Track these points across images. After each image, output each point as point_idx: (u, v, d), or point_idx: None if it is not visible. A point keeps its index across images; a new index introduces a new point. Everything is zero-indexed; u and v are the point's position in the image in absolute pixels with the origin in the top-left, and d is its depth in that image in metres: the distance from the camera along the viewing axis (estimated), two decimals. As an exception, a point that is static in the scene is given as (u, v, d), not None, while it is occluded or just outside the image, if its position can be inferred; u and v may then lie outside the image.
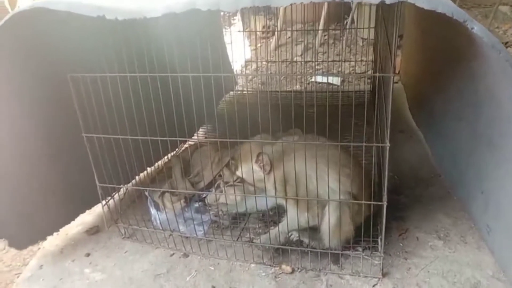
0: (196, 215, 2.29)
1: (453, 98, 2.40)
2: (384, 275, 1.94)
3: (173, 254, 2.21)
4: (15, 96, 1.98)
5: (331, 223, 1.92)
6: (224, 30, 4.08)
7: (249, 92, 3.99)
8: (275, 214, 2.26)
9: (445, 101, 2.53)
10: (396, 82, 3.86)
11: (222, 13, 4.25)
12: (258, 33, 5.22)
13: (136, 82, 1.89)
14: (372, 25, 3.56)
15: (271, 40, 5.26)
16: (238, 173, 2.21)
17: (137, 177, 2.62)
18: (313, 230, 2.07)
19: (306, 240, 2.06)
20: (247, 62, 4.74)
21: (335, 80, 4.31)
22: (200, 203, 2.45)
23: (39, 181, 2.17)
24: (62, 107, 2.11)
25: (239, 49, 4.02)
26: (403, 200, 2.46)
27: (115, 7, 1.50)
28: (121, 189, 2.38)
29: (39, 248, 2.37)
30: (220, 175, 2.59)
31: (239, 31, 4.73)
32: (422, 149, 2.98)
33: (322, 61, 4.62)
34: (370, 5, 3.70)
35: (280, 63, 4.36)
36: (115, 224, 2.35)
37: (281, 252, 2.10)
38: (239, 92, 4.06)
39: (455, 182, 2.49)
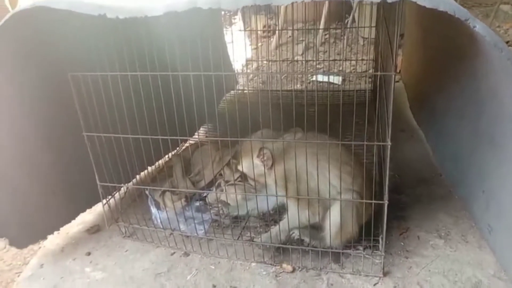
0: (197, 214, 2.29)
1: (454, 97, 2.39)
2: (385, 274, 1.94)
3: (174, 253, 2.21)
4: (15, 95, 1.98)
5: (335, 222, 1.92)
6: (225, 29, 4.08)
7: (250, 91, 3.99)
8: (276, 213, 2.25)
9: (446, 100, 2.52)
10: (397, 81, 3.86)
11: (223, 12, 4.25)
12: (259, 32, 5.21)
13: (137, 81, 1.89)
14: (373, 24, 3.56)
15: (272, 39, 5.26)
16: (240, 167, 2.20)
17: (137, 176, 2.62)
18: (314, 229, 2.07)
19: (307, 239, 2.06)
20: (248, 61, 4.74)
21: (336, 79, 4.30)
22: (200, 202, 2.45)
23: (40, 180, 2.17)
24: (62, 107, 2.11)
25: (240, 48, 4.01)
26: (404, 199, 2.45)
27: (116, 6, 1.50)
28: (122, 188, 2.38)
29: (39, 247, 2.37)
30: (220, 174, 2.59)
31: (240, 30, 4.72)
32: (423, 148, 2.98)
33: (323, 60, 4.62)
34: (371, 3, 3.70)
35: (281, 62, 4.36)
36: (116, 223, 2.35)
37: (281, 251, 2.10)
38: (240, 91, 4.05)
39: (456, 181, 2.48)
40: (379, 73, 2.74)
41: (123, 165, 2.11)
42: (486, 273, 1.91)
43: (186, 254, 2.19)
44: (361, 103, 1.89)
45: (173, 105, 1.87)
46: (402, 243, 2.13)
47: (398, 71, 3.99)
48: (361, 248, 2.05)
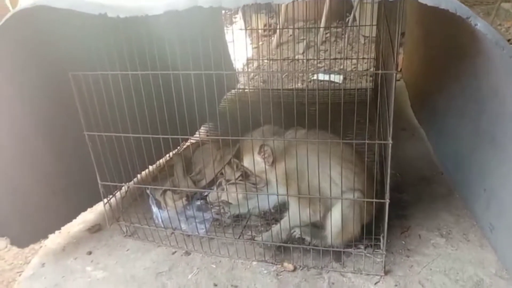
0: (198, 213, 2.29)
1: (455, 95, 2.39)
2: (386, 272, 1.94)
3: (175, 252, 2.21)
4: (15, 95, 1.98)
5: (336, 222, 1.92)
6: (225, 28, 4.08)
7: (250, 90, 3.99)
8: (277, 212, 2.25)
9: (447, 98, 2.52)
10: (398, 80, 3.85)
11: (223, 11, 4.25)
12: (259, 31, 5.21)
13: (138, 80, 1.89)
14: (374, 22, 3.55)
15: (272, 38, 5.25)
16: (243, 163, 2.20)
17: (138, 175, 2.62)
18: (315, 228, 2.07)
19: (308, 238, 2.05)
20: (249, 60, 4.74)
21: (337, 78, 4.30)
22: (201, 201, 2.45)
23: (41, 179, 2.17)
24: (63, 106, 2.11)
25: (240, 47, 4.01)
26: (405, 198, 2.45)
27: (117, 4, 1.50)
28: (123, 187, 2.38)
29: (41, 246, 2.37)
30: (221, 173, 2.59)
31: (241, 29, 4.71)
32: (424, 147, 2.98)
33: (324, 59, 4.61)
34: (372, 2, 3.70)
35: (281, 61, 4.36)
36: (117, 222, 2.35)
37: (283, 250, 2.10)
38: (240, 90, 4.05)
39: (457, 180, 2.48)
40: (380, 71, 2.73)
41: (124, 164, 2.11)
42: (487, 272, 1.91)
43: (187, 253, 2.20)
44: (362, 102, 1.89)
45: (174, 104, 1.87)
46: (404, 242, 2.13)
47: (399, 69, 3.98)
48: (362, 247, 2.05)
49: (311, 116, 1.70)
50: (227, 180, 2.50)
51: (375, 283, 1.90)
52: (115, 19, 1.47)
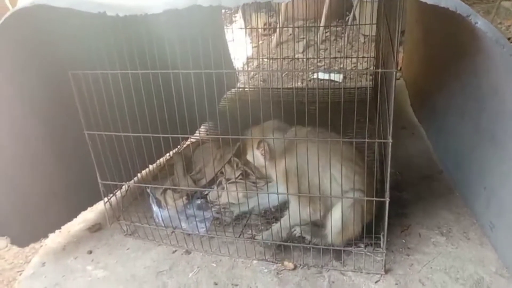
0: (198, 212, 2.29)
1: (455, 94, 2.39)
2: (386, 271, 1.94)
3: (176, 251, 2.21)
4: (15, 95, 1.97)
5: (337, 222, 1.92)
6: (225, 27, 4.07)
7: (250, 89, 3.98)
8: (277, 211, 2.25)
9: (447, 96, 2.52)
10: (398, 79, 3.85)
11: (223, 10, 4.25)
12: (259, 30, 5.21)
13: (138, 79, 1.89)
14: (374, 21, 3.55)
15: (272, 37, 5.25)
16: (246, 156, 2.21)
17: (139, 174, 2.62)
18: (315, 227, 2.07)
19: (308, 237, 2.05)
20: (249, 59, 4.74)
21: (337, 77, 4.30)
22: (202, 200, 2.45)
23: (41, 179, 2.17)
24: (63, 105, 2.11)
25: (240, 46, 4.00)
26: (405, 197, 2.45)
27: (116, 3, 1.50)
28: (123, 187, 2.38)
29: (41, 246, 2.38)
30: (222, 172, 2.59)
31: (241, 28, 4.71)
32: (424, 145, 2.98)
33: (324, 58, 4.61)
34: (372, 1, 3.69)
35: (281, 60, 4.35)
36: (117, 221, 2.35)
37: (283, 248, 2.10)
38: (240, 89, 4.05)
39: (457, 178, 2.48)
40: (380, 70, 2.73)
41: (124, 163, 2.11)
42: (488, 270, 1.91)
43: (188, 252, 2.20)
44: (362, 101, 1.89)
45: (174, 103, 1.87)
46: (404, 241, 2.13)
47: (399, 68, 3.98)
48: (362, 245, 2.05)
49: (311, 115, 1.70)
50: (227, 179, 2.51)
51: (376, 282, 1.90)
52: (115, 18, 1.47)
